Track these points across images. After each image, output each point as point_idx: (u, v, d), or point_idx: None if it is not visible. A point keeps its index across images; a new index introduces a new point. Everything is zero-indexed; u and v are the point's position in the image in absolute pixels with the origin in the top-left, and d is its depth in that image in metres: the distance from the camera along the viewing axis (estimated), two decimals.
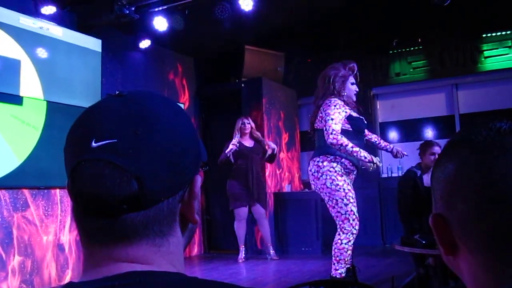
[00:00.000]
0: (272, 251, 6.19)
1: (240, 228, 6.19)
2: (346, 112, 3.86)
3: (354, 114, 3.94)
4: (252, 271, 5.61)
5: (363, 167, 3.94)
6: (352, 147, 3.69)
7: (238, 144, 6.11)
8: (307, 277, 4.90)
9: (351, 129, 3.86)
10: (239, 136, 6.19)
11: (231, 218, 6.29)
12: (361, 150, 3.73)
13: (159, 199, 0.66)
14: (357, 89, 4.11)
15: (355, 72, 4.11)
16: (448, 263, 0.66)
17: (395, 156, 4.22)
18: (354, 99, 4.06)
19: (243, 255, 6.18)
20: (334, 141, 3.69)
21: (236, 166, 6.20)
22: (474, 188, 0.59)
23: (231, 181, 6.23)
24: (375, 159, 3.75)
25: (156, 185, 0.65)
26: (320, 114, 3.92)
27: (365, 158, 3.72)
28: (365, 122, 4.07)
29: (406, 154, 4.28)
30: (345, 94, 3.99)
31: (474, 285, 0.61)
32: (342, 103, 3.89)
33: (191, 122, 0.74)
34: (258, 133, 6.38)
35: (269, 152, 6.10)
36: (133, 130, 0.64)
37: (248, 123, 6.25)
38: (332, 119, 3.76)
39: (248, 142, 6.26)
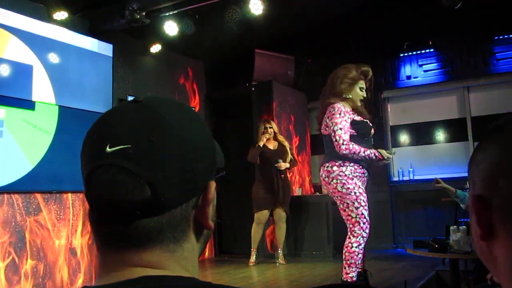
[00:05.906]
0: (281, 255, 6.17)
1: (257, 232, 6.17)
2: (350, 118, 3.86)
3: (357, 118, 3.91)
4: (263, 275, 5.60)
5: (377, 165, 3.93)
6: (364, 152, 3.72)
7: (261, 146, 6.12)
8: (318, 281, 4.88)
9: (356, 133, 3.84)
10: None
11: (242, 222, 6.28)
12: (371, 151, 3.75)
13: (172, 205, 0.66)
14: (365, 95, 4.01)
15: (368, 78, 4.04)
16: (479, 249, 0.64)
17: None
18: (359, 104, 3.99)
19: (254, 259, 6.17)
20: (347, 151, 3.71)
21: (261, 170, 6.21)
22: None
23: (256, 185, 6.22)
24: (386, 155, 3.76)
25: (168, 191, 0.65)
26: (326, 122, 3.91)
27: (377, 157, 3.75)
28: (370, 124, 4.01)
29: (391, 153, 3.99)
30: (350, 97, 3.96)
31: (510, 271, 0.60)
32: (345, 109, 3.87)
33: (206, 129, 0.74)
34: (282, 137, 6.39)
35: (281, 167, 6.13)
36: (147, 136, 0.65)
37: (270, 128, 6.23)
38: (340, 129, 3.76)
39: (273, 145, 6.25)
